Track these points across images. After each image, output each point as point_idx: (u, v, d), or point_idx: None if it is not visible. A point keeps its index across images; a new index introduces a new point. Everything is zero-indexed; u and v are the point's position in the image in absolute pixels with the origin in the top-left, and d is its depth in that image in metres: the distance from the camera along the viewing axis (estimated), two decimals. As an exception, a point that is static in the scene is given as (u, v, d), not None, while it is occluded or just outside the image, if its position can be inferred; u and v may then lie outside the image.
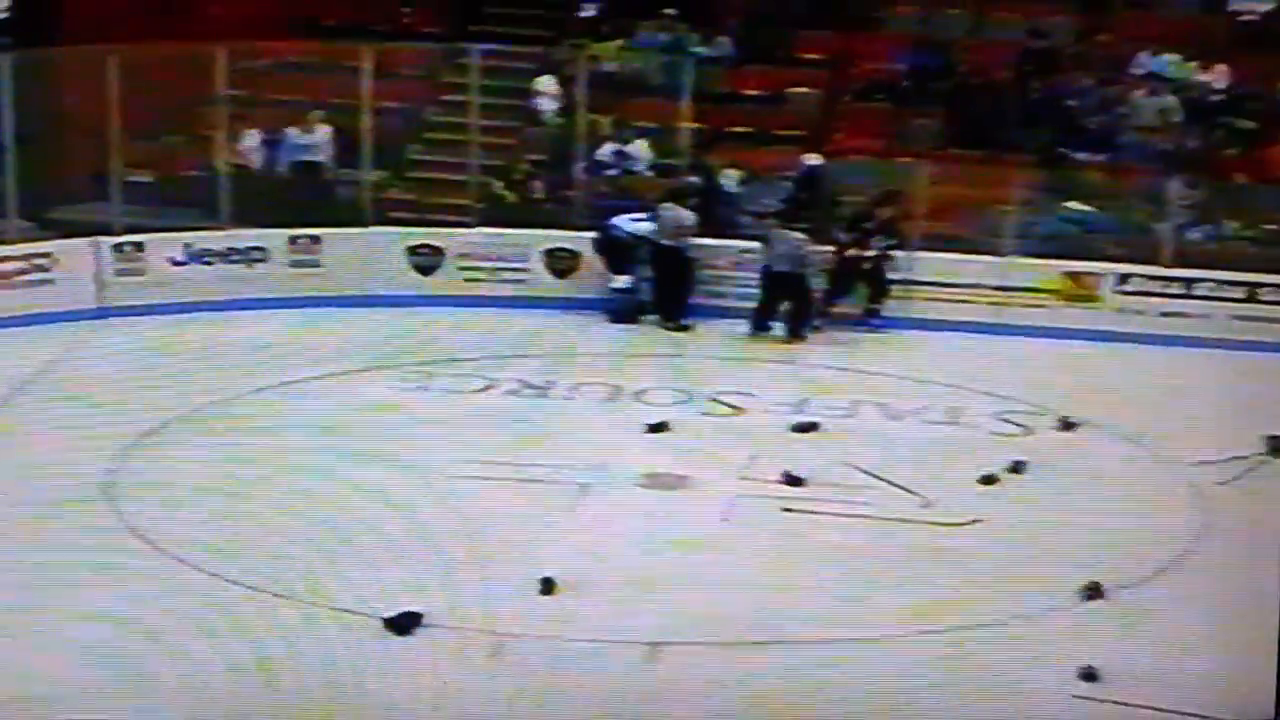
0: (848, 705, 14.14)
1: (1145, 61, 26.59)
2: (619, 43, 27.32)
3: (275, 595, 15.65)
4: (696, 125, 26.32)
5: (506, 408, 21.10)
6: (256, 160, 25.79)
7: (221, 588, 15.82)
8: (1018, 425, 20.85)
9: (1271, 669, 12.13)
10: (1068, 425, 20.63)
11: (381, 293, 24.66)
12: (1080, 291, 24.38)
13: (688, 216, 24.43)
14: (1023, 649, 15.13)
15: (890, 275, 24.28)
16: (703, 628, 15.24)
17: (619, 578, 16.22)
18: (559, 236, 25.09)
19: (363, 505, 17.70)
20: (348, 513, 17.53)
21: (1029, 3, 27.81)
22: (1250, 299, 24.03)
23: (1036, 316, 24.18)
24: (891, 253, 24.20)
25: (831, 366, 22.91)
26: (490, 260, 25.11)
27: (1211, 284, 24.10)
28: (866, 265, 24.26)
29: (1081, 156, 25.86)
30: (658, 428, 20.20)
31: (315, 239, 24.81)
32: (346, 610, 15.38)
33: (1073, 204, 25.20)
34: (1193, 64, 26.61)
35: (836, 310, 24.26)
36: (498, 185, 26.01)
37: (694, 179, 25.49)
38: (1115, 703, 14.08)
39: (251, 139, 25.71)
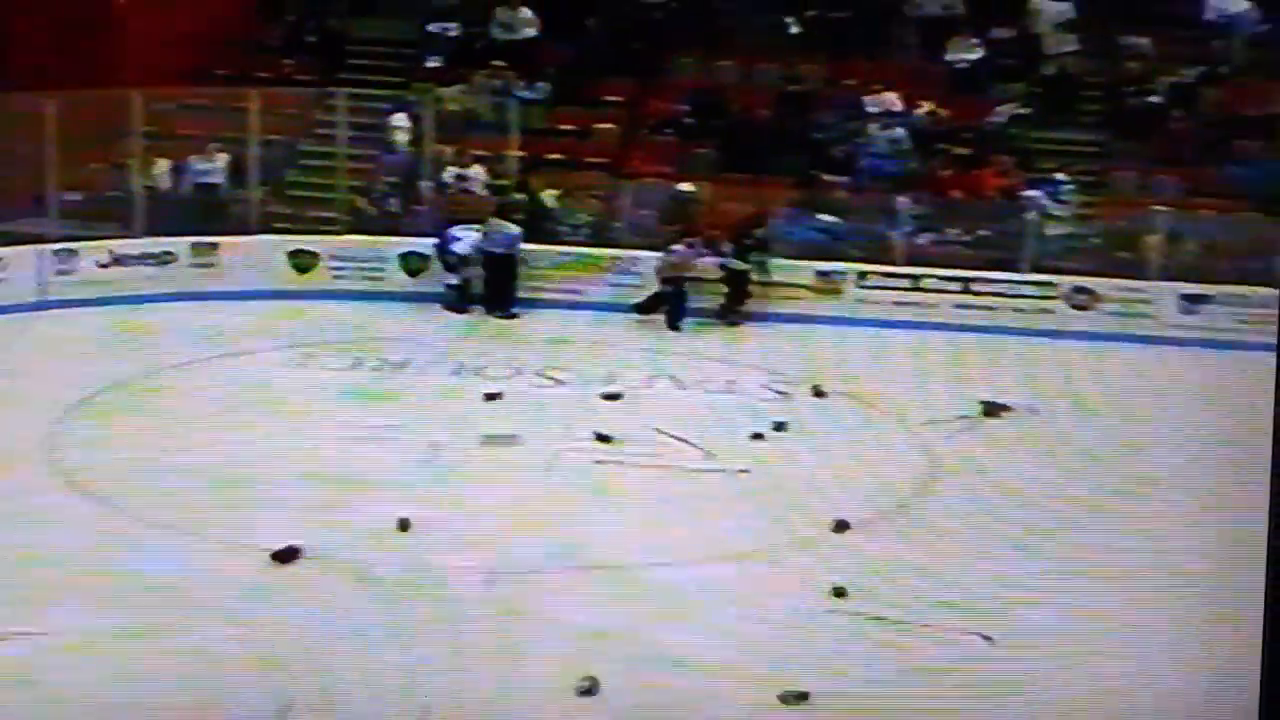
0: (648, 619, 14.01)
1: (880, 101, 26.65)
2: (459, 87, 27.09)
3: (186, 533, 15.42)
4: (521, 154, 26.20)
5: (371, 381, 20.85)
6: (166, 183, 25.38)
7: (137, 524, 15.61)
8: (780, 393, 20.79)
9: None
10: (819, 393, 20.60)
11: (267, 288, 24.32)
12: (828, 287, 24.37)
13: (514, 228, 24.37)
14: (792, 572, 15.12)
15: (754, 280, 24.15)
16: (532, 560, 15.04)
17: (463, 519, 15.96)
18: (410, 243, 24.84)
19: (252, 459, 17.40)
20: (239, 464, 17.22)
21: (787, 55, 27.77)
22: (966, 290, 24.15)
23: (793, 307, 24.16)
24: (766, 261, 24.12)
25: (634, 348, 22.71)
26: (355, 261, 24.86)
27: (935, 279, 24.19)
28: (746, 271, 24.05)
29: (829, 178, 25.82)
30: (493, 396, 20.01)
31: (213, 245, 24.53)
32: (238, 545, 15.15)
33: (822, 216, 25.18)
34: (920, 103, 26.70)
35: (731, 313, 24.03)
36: (361, 201, 25.75)
37: (519, 197, 25.34)
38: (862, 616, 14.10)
39: (161, 166, 25.33)
